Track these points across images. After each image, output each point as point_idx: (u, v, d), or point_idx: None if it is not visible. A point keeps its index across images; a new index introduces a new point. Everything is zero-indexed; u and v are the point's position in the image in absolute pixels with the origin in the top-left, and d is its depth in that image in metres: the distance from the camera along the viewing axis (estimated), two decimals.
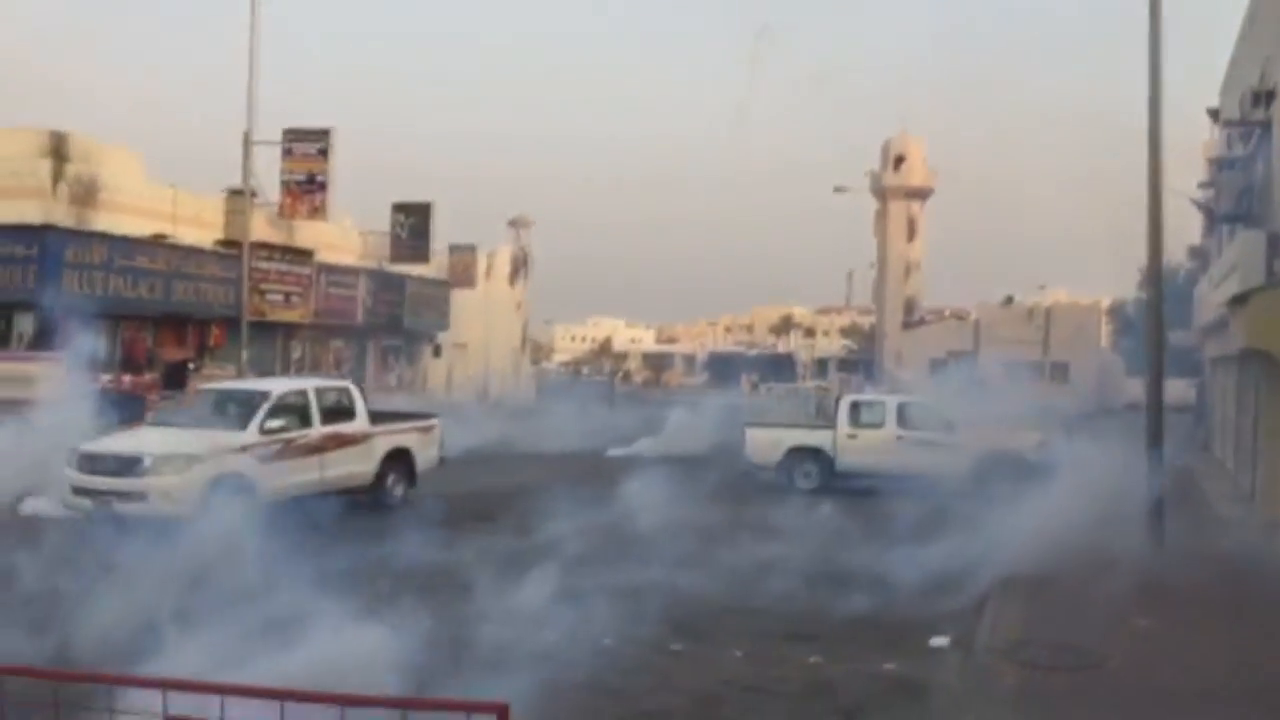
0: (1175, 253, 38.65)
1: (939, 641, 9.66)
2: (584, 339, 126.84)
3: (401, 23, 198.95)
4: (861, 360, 74.21)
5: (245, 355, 31.46)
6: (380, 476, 16.91)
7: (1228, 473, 23.99)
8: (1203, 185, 28.66)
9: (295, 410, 15.84)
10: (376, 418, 17.45)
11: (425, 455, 17.94)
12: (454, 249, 46.96)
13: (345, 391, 17.29)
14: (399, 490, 17.21)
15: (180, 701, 3.95)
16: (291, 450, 15.37)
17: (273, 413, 15.41)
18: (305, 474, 15.46)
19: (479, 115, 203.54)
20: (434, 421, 18.58)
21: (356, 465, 16.49)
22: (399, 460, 17.34)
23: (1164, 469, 15.00)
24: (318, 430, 15.89)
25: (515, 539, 13.81)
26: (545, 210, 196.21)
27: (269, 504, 13.59)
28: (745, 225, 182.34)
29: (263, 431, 15.08)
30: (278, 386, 16.44)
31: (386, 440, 17.20)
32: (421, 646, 7.61)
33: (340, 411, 16.62)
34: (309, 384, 17.04)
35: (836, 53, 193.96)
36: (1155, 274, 14.51)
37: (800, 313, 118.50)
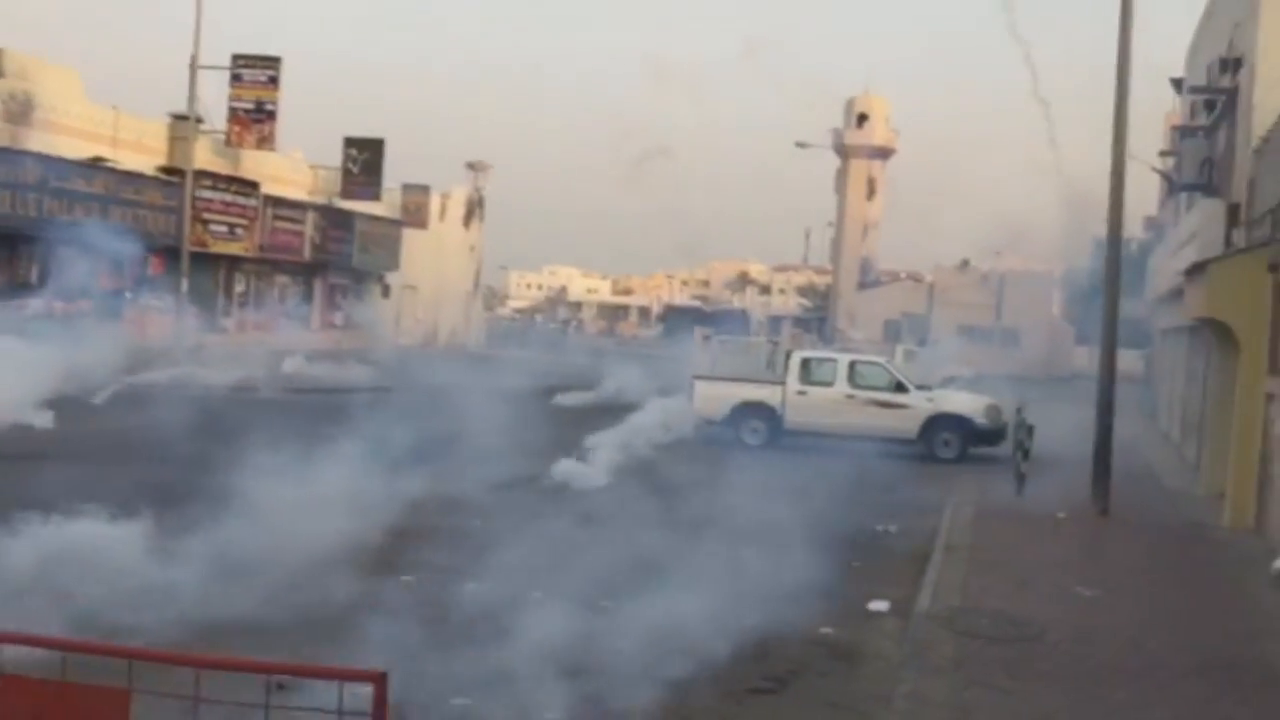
0: (1130, 224, 38.50)
1: (878, 606, 9.37)
2: (540, 287, 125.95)
3: None
4: (815, 319, 74.16)
5: (185, 286, 30.65)
6: None
7: (1173, 444, 24.02)
8: (1164, 154, 28.52)
9: None
10: None
11: None
12: (407, 188, 46.05)
13: None
14: None
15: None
16: None
17: None
18: None
19: (440, 57, 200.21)
20: None
21: None
22: None
23: (1111, 439, 14.79)
24: None
25: None
26: (505, 157, 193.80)
27: None
28: (705, 179, 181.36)
29: None
30: None
31: None
32: None
33: None
34: None
35: (803, 9, 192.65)
36: (1115, 241, 14.22)
37: (757, 269, 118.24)
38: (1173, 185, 24.78)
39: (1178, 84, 28.30)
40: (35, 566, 7.85)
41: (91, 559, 8.11)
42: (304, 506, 9.43)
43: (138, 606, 7.43)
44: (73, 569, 7.90)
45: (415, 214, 46.19)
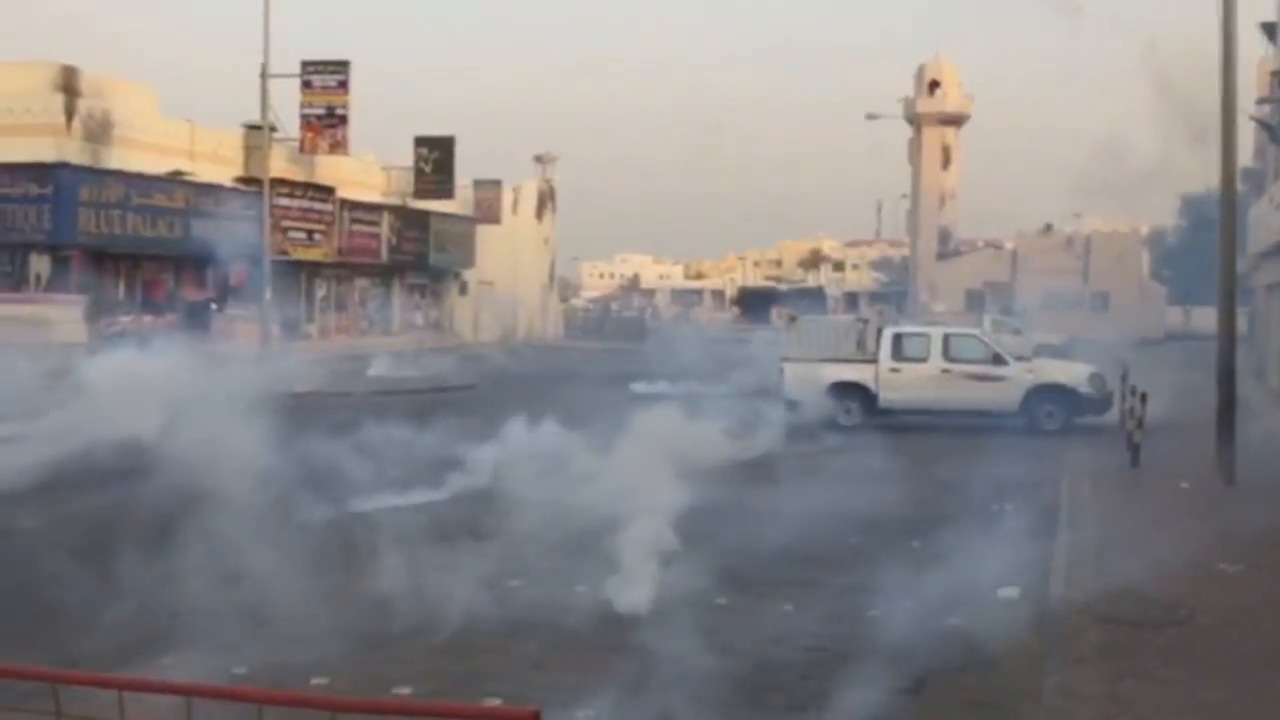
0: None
1: (1008, 592, 8.87)
2: (612, 276, 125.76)
3: None
4: (894, 293, 72.98)
5: (269, 294, 30.89)
6: None
7: None
8: (1261, 101, 27.32)
9: None
10: None
11: None
12: (479, 184, 46.06)
13: None
14: None
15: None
16: None
17: None
18: None
19: (503, 50, 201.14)
20: None
21: None
22: None
23: (1235, 403, 14.07)
24: None
25: None
26: (571, 146, 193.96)
27: None
28: (773, 157, 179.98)
29: None
30: None
31: None
32: None
33: None
34: None
35: None
36: (1230, 191, 13.49)
37: (830, 245, 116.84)
38: (1273, 134, 23.71)
39: (1269, 29, 27.07)
40: None
41: None
42: None
43: None
44: None
45: (488, 210, 46.20)
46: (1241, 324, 38.02)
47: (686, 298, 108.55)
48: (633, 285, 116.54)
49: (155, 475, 11.34)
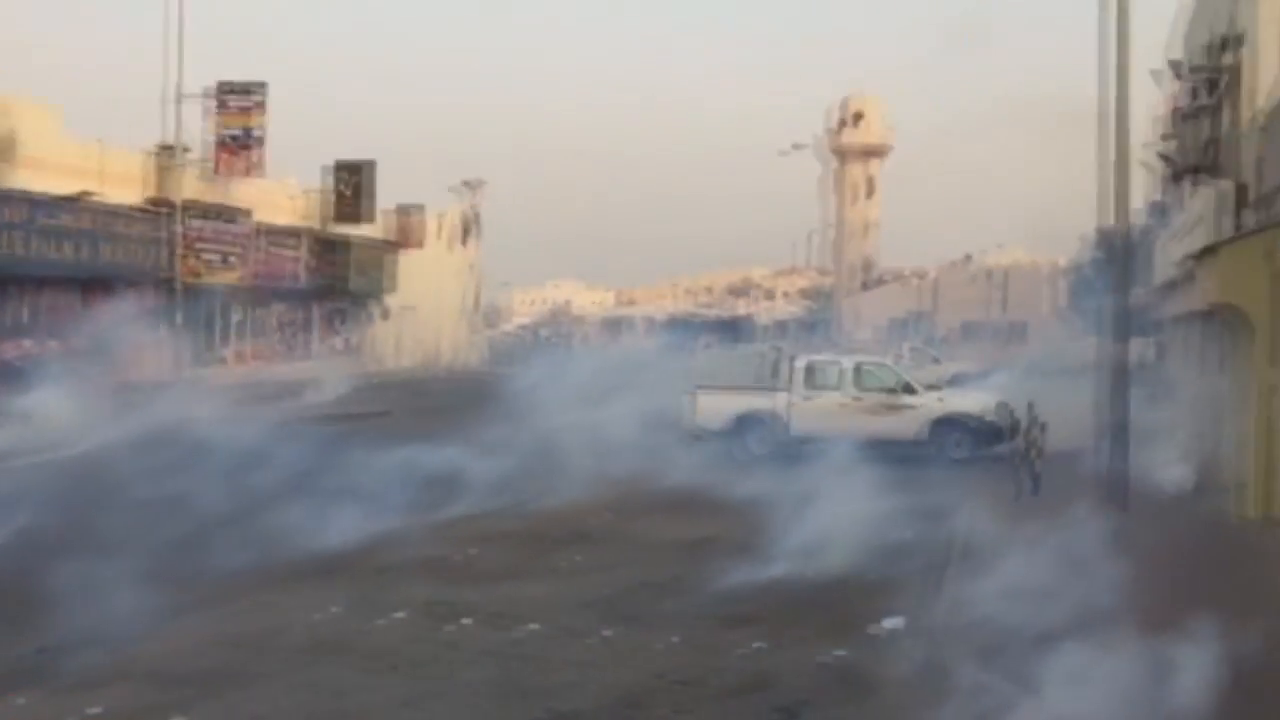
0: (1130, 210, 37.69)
1: (892, 623, 8.88)
2: (543, 302, 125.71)
3: None
4: (820, 321, 73.73)
5: (180, 318, 30.31)
6: None
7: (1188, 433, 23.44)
8: (1165, 138, 28.08)
9: None
10: None
11: None
12: (401, 209, 45.77)
13: None
14: None
15: None
16: None
17: None
18: None
19: (427, 80, 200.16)
20: None
21: None
22: None
23: (1127, 433, 14.31)
24: None
25: None
26: (500, 175, 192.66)
27: None
28: (702, 188, 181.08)
29: None
30: None
31: None
32: None
33: None
34: None
35: (795, 11, 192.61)
36: (1123, 224, 13.76)
37: (760, 273, 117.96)
38: (1175, 168, 24.30)
39: (1157, 76, 28.28)
40: None
41: None
42: None
43: None
44: None
45: (410, 235, 45.90)
46: (1146, 354, 38.98)
47: (617, 325, 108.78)
48: (562, 311, 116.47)
49: None
